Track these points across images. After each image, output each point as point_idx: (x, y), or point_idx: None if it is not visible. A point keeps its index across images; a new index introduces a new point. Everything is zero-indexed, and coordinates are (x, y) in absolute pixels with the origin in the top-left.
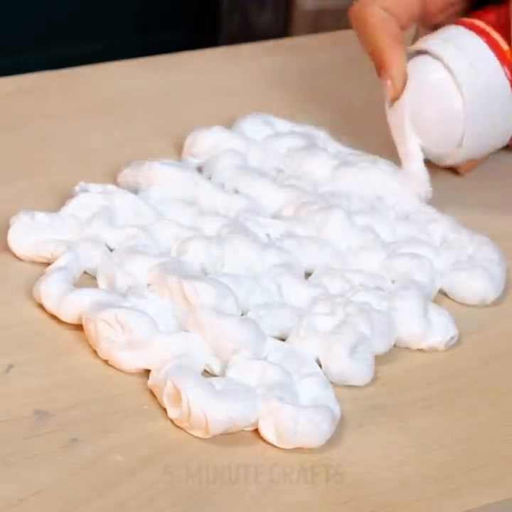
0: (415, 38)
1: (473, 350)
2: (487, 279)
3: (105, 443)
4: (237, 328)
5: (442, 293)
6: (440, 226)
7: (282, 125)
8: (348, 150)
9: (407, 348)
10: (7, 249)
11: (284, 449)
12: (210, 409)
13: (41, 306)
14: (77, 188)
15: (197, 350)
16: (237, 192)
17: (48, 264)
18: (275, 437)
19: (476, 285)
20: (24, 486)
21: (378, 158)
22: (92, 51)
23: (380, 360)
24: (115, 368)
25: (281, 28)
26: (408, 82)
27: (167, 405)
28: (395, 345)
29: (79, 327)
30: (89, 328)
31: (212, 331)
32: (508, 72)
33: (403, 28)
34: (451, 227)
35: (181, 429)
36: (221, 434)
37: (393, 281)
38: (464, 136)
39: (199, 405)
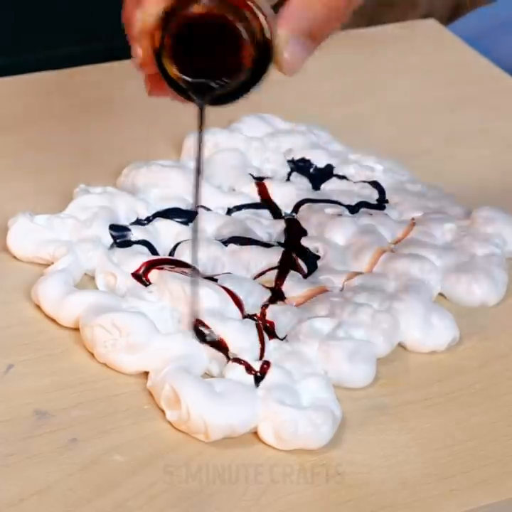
0: None
1: (473, 350)
2: (489, 283)
3: (105, 443)
4: (239, 333)
5: (442, 295)
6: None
7: (282, 124)
8: (349, 149)
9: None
10: (6, 250)
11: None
12: (209, 415)
13: (40, 307)
14: (77, 190)
15: (196, 352)
16: (236, 192)
17: (48, 264)
18: (275, 439)
19: (478, 290)
20: (24, 486)
21: (379, 157)
22: (91, 51)
23: (380, 360)
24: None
25: None
26: None
27: (165, 408)
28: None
29: (78, 328)
30: (86, 333)
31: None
32: None
33: None
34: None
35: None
36: None
37: (394, 282)
38: None
39: (198, 411)
